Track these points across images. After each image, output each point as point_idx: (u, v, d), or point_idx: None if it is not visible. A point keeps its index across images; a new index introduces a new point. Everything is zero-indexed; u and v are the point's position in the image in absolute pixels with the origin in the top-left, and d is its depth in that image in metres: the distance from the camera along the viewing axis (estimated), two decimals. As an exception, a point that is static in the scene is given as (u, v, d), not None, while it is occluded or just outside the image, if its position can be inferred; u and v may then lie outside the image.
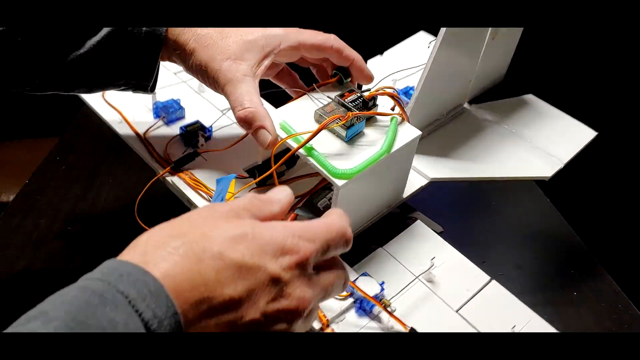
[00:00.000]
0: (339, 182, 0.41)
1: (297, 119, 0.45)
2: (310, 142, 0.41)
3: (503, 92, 0.68)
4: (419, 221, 0.51)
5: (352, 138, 0.44)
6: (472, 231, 0.67)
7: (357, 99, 0.46)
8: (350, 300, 0.43)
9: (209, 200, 0.49)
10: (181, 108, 0.60)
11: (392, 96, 0.46)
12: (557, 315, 0.56)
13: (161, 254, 0.27)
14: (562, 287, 0.61)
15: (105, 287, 0.25)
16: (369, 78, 0.50)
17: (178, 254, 0.27)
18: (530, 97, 0.68)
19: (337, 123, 0.43)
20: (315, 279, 0.31)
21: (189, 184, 0.51)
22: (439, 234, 0.51)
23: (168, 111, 0.59)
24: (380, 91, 0.45)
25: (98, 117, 0.61)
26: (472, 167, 0.57)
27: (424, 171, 0.55)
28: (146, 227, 0.37)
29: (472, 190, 0.74)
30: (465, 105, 0.66)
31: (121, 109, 0.61)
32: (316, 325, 0.41)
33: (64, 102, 0.68)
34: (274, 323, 0.29)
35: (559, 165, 0.58)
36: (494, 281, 0.47)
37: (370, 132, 0.45)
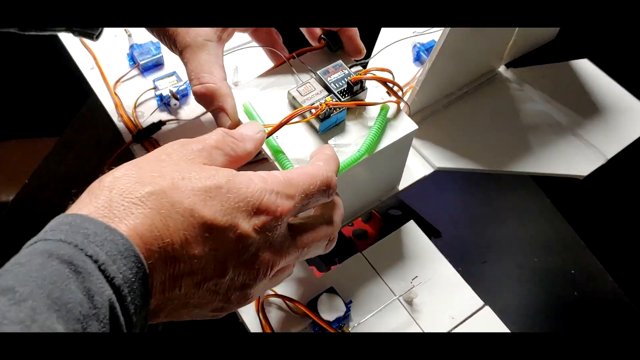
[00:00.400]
0: None
1: (267, 99, 0.37)
2: (275, 135, 0.34)
3: (552, 53, 0.56)
4: (412, 222, 0.43)
5: (328, 130, 0.36)
6: (473, 231, 0.64)
7: (342, 78, 0.37)
8: (309, 321, 0.38)
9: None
10: (159, 53, 0.52)
11: (383, 82, 0.36)
12: (558, 316, 0.57)
13: (127, 206, 0.24)
14: (562, 287, 0.61)
15: (73, 252, 0.22)
16: (358, 51, 0.40)
17: (146, 206, 0.24)
18: (584, 64, 0.55)
19: (307, 117, 0.35)
20: (290, 240, 0.29)
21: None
22: (436, 238, 0.45)
23: (144, 56, 0.51)
24: (369, 75, 0.36)
25: (73, 61, 0.54)
26: (488, 156, 0.47)
27: (429, 158, 0.46)
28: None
29: (472, 190, 0.71)
30: (501, 69, 0.53)
31: (96, 52, 0.53)
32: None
33: (64, 102, 0.63)
34: (238, 284, 0.27)
35: (600, 160, 0.48)
36: (487, 307, 0.40)
37: (354, 123, 0.37)
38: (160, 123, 0.47)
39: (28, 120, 1.16)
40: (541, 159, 0.48)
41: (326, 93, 0.36)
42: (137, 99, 0.50)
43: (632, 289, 0.61)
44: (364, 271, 0.41)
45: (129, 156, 0.47)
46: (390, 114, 0.37)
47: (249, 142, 0.30)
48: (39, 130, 1.04)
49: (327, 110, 0.34)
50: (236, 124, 0.36)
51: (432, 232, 0.56)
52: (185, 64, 0.36)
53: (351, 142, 0.36)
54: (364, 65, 0.39)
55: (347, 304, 0.37)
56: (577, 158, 0.48)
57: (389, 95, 0.37)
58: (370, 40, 0.47)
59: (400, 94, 0.37)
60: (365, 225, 0.58)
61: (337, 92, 0.36)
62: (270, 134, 0.34)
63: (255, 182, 0.27)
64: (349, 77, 0.36)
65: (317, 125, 0.36)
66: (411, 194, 0.61)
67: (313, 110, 0.34)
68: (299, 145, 0.36)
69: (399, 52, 0.53)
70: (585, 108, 0.51)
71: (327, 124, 0.36)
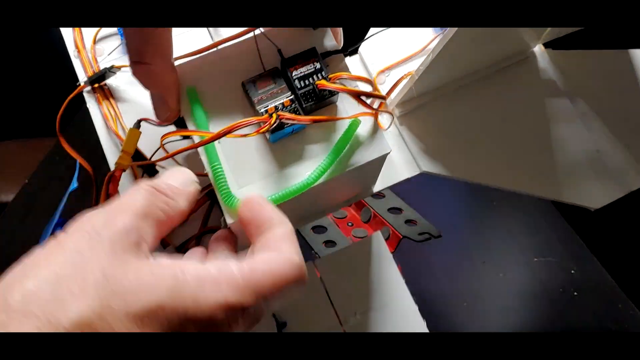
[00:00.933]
0: (229, 219, 0.28)
1: (219, 82, 0.31)
2: (217, 141, 0.29)
3: (602, 38, 0.43)
4: (378, 233, 0.40)
5: (282, 139, 0.30)
6: (472, 231, 0.63)
7: (312, 73, 0.30)
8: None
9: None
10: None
11: (355, 95, 0.29)
12: (557, 315, 0.57)
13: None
14: (562, 287, 0.61)
15: None
16: (337, 39, 0.33)
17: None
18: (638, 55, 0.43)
19: (252, 132, 0.28)
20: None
21: (102, 110, 0.38)
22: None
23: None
24: (337, 83, 0.29)
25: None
26: (487, 165, 0.39)
27: (417, 157, 0.39)
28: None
29: (473, 189, 0.70)
30: (536, 49, 0.42)
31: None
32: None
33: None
34: None
35: (623, 190, 0.38)
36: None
37: (320, 128, 0.30)
38: (112, 69, 0.39)
39: (28, 120, 1.16)
40: (549, 179, 0.39)
41: (289, 91, 0.30)
42: (97, 32, 0.41)
43: (632, 288, 0.61)
44: (310, 284, 0.35)
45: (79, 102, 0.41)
46: (365, 129, 0.31)
47: (182, 199, 0.25)
48: (39, 130, 1.05)
49: (278, 122, 0.28)
50: (174, 115, 0.31)
51: (431, 232, 0.55)
52: (129, 33, 0.28)
53: (313, 152, 0.30)
54: (355, 50, 0.36)
55: (280, 325, 0.33)
56: (594, 184, 0.39)
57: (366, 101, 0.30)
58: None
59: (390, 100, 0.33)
60: (365, 226, 0.56)
61: (302, 94, 0.30)
62: (207, 142, 0.27)
63: (206, 293, 0.21)
64: (317, 78, 0.30)
65: (267, 133, 0.30)
66: (410, 191, 0.59)
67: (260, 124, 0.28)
68: (245, 155, 0.30)
69: None
70: (630, 118, 0.41)
71: (280, 135, 0.30)
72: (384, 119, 0.40)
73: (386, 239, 0.51)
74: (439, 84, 0.39)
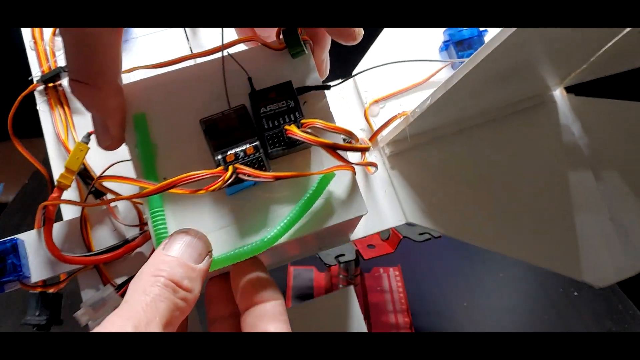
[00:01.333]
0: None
1: (174, 110, 0.26)
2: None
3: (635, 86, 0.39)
4: (350, 288, 0.36)
5: (240, 191, 0.26)
6: None
7: (283, 113, 0.25)
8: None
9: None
10: None
11: (330, 148, 0.24)
12: (557, 315, 0.57)
13: None
14: (562, 287, 0.61)
15: None
16: (320, 72, 0.28)
17: None
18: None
19: (201, 189, 0.23)
20: None
21: (53, 116, 0.34)
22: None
23: None
24: (308, 133, 0.24)
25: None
26: (483, 223, 0.34)
27: (405, 206, 0.34)
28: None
29: None
30: (556, 92, 0.36)
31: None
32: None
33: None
34: None
35: (635, 269, 0.33)
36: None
37: (286, 180, 0.25)
38: (62, 70, 0.35)
39: (28, 120, 1.14)
40: (552, 247, 0.33)
41: (254, 136, 0.25)
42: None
43: (632, 289, 0.60)
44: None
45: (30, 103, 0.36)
46: (340, 184, 0.26)
47: (198, 285, 0.23)
48: (39, 130, 1.05)
49: (234, 177, 0.23)
50: (117, 143, 0.26)
51: (431, 232, 0.51)
52: (67, 45, 0.23)
53: (272, 212, 0.25)
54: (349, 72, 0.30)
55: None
56: (602, 258, 0.33)
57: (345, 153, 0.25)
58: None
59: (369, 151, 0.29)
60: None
61: (269, 136, 0.25)
62: (146, 195, 0.23)
63: None
64: (289, 119, 0.25)
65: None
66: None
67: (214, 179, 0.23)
68: (195, 203, 0.25)
69: (422, 32, 0.37)
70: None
71: (238, 188, 0.25)
72: (371, 158, 0.35)
73: (386, 239, 0.48)
74: (438, 125, 0.34)
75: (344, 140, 0.27)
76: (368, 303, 0.59)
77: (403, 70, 0.36)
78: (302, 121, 0.25)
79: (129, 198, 0.25)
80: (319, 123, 0.24)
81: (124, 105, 0.26)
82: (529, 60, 0.28)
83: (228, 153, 0.24)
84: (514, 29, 0.22)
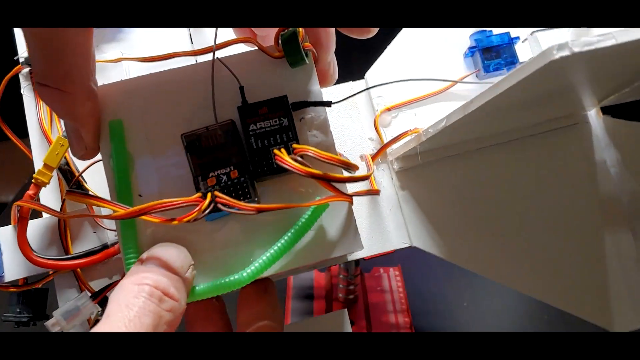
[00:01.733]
0: None
1: (154, 118, 0.23)
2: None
3: None
4: (344, 311, 0.34)
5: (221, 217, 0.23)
6: None
7: (274, 133, 0.22)
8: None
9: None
10: None
11: (324, 181, 0.21)
12: (558, 315, 0.55)
13: None
14: None
15: None
16: (323, 80, 0.25)
17: None
18: None
19: (176, 219, 0.21)
20: None
21: (37, 104, 0.32)
22: None
23: None
24: (297, 163, 0.21)
25: None
26: (494, 254, 0.30)
27: (410, 227, 0.31)
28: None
29: None
30: (591, 113, 0.33)
31: None
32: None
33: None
34: None
35: None
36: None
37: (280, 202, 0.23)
38: None
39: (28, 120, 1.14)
40: (567, 284, 0.31)
41: (240, 155, 0.22)
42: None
43: None
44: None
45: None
46: (334, 215, 0.23)
47: (183, 294, 0.21)
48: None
49: (212, 206, 0.21)
50: (91, 153, 0.23)
51: None
52: (30, 44, 0.21)
53: (256, 241, 0.22)
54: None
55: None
56: (621, 302, 0.30)
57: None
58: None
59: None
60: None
61: (257, 159, 0.22)
62: (118, 218, 0.21)
63: None
64: (280, 140, 0.22)
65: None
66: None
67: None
68: (171, 227, 0.22)
69: (447, 34, 0.33)
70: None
71: (217, 215, 0.23)
72: (378, 171, 0.32)
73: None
74: (453, 143, 0.31)
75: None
76: (368, 303, 0.57)
77: (420, 75, 0.32)
78: (294, 146, 0.22)
79: (95, 217, 0.22)
80: (311, 151, 0.21)
81: (98, 111, 0.23)
82: (567, 85, 0.24)
83: (210, 176, 0.22)
84: (555, 55, 0.18)
